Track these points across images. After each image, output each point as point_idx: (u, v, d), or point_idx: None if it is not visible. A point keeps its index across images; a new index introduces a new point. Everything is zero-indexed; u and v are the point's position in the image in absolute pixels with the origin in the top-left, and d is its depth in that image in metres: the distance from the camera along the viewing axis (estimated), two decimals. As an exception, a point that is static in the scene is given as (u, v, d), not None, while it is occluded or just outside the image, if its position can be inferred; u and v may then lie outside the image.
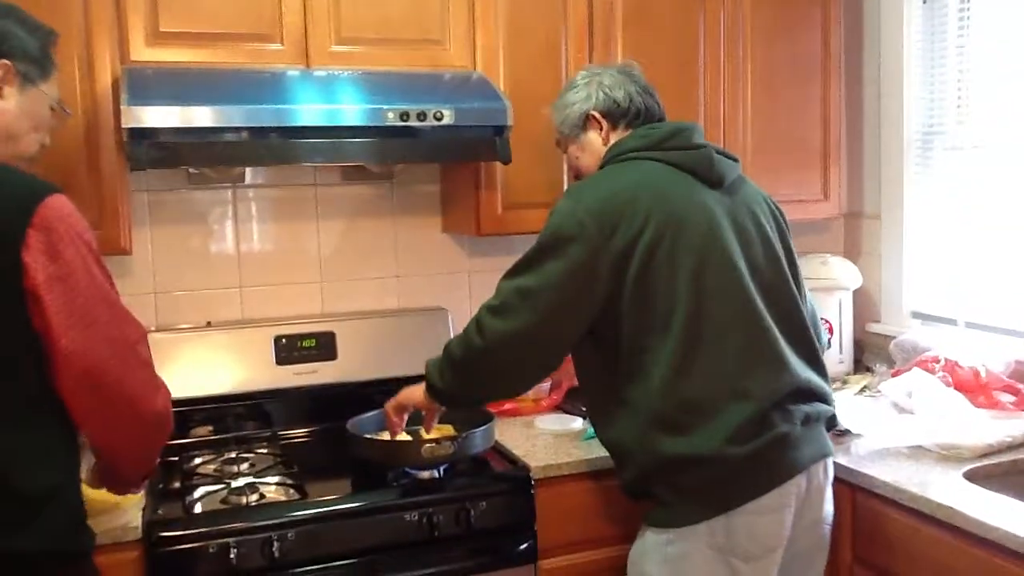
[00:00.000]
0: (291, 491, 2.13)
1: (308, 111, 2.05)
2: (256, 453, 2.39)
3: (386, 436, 2.32)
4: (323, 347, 2.59)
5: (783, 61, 2.78)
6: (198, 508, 2.06)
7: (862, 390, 2.70)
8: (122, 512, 1.96)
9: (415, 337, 2.69)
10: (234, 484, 2.16)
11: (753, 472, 1.81)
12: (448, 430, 2.35)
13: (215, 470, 2.29)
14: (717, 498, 1.81)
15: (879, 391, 2.57)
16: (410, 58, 2.37)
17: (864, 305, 3.01)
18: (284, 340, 2.56)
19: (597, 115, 2.03)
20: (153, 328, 2.47)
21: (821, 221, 2.99)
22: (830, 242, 3.11)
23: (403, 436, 2.33)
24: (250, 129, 2.01)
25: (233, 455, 2.37)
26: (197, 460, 2.36)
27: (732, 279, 1.85)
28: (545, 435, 2.48)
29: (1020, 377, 2.47)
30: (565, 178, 2.55)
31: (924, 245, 2.86)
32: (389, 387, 2.56)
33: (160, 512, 2.02)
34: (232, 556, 1.92)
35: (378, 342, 2.65)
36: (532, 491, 2.19)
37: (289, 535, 1.98)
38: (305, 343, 2.58)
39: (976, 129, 2.70)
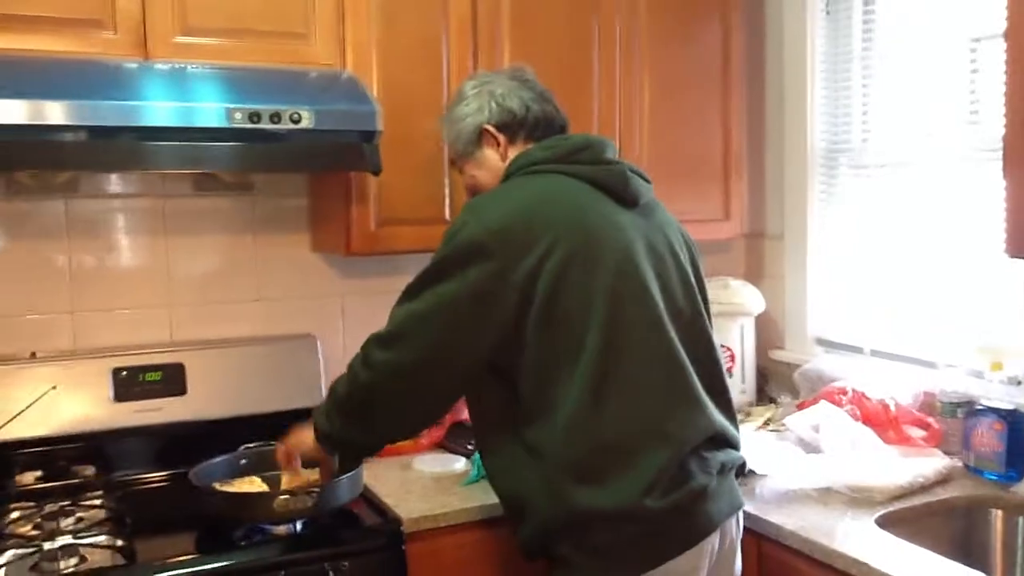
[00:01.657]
0: (117, 555, 1.81)
1: (138, 108, 1.74)
2: (84, 506, 2.05)
3: (239, 485, 2.03)
4: (170, 380, 2.27)
5: (682, 71, 2.60)
6: (-2, 579, 1.73)
7: (766, 423, 2.53)
8: None
9: (279, 368, 2.39)
10: (47, 546, 1.82)
11: (670, 529, 1.61)
12: (313, 475, 2.06)
13: (32, 528, 1.94)
14: (632, 559, 1.59)
15: (784, 425, 2.40)
16: (268, 53, 2.08)
17: (767, 331, 2.84)
18: (124, 373, 2.23)
19: (492, 129, 1.82)
20: (-37, 360, 2.13)
21: (722, 241, 2.82)
22: (730, 263, 2.94)
23: (258, 486, 2.04)
24: (63, 128, 1.69)
25: (56, 508, 2.02)
26: (13, 515, 2.01)
27: (648, 309, 1.64)
28: (424, 478, 2.21)
29: (929, 410, 2.33)
30: (447, 192, 2.31)
31: (829, 268, 2.72)
32: (247, 426, 2.30)
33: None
34: (33, 640, 1.60)
35: (235, 374, 2.34)
36: (403, 547, 1.92)
37: (115, 611, 1.67)
38: (148, 376, 2.26)
39: (880, 146, 2.56)
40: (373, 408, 1.72)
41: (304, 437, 1.86)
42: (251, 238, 2.45)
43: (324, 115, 1.89)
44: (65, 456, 2.16)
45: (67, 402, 2.17)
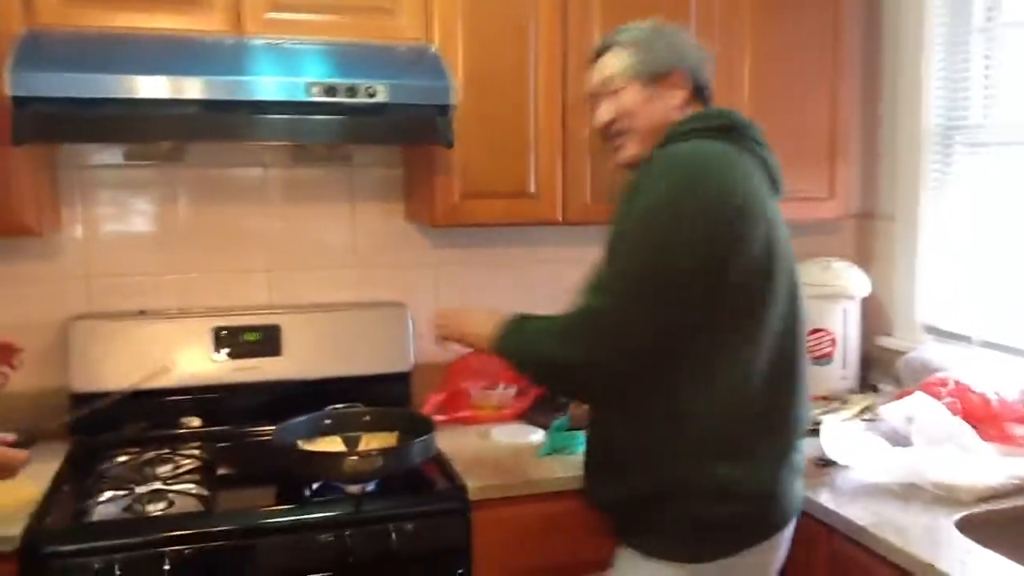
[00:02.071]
0: (200, 502, 1.93)
1: (214, 84, 1.83)
2: (180, 454, 2.20)
3: (321, 444, 2.12)
4: (267, 341, 2.40)
5: (788, 41, 2.48)
6: (95, 516, 1.88)
7: (862, 411, 2.42)
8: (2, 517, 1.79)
9: (369, 334, 2.48)
10: (139, 490, 1.97)
11: (770, 512, 1.63)
12: (391, 439, 2.14)
13: (131, 471, 2.10)
14: (731, 537, 1.60)
15: (878, 415, 2.29)
16: (355, 28, 2.13)
17: (874, 316, 2.71)
18: (224, 332, 2.37)
19: (686, 74, 1.69)
20: (83, 314, 2.31)
21: (830, 222, 2.69)
22: (839, 245, 2.81)
23: (338, 445, 2.13)
24: (142, 101, 1.79)
25: (153, 455, 2.18)
26: (117, 459, 2.18)
27: (802, 301, 1.66)
28: (499, 448, 2.25)
29: (1038, 407, 2.17)
30: (532, 167, 2.31)
31: (942, 252, 2.56)
32: (338, 387, 2.40)
33: (48, 520, 1.83)
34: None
35: (328, 338, 2.44)
36: (468, 514, 1.96)
37: (186, 552, 1.78)
38: (248, 336, 2.39)
39: (1004, 124, 2.38)
40: (565, 382, 1.68)
41: (479, 330, 1.75)
42: (348, 207, 2.53)
43: (399, 89, 1.93)
44: (165, 408, 2.32)
45: (171, 356, 2.31)
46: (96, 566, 1.73)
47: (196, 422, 2.36)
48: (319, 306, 2.49)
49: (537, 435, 2.30)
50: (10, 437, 1.78)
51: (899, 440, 2.15)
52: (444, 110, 1.97)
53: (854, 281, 2.60)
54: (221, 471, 2.13)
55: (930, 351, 2.45)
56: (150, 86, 1.82)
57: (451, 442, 2.24)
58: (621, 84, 1.69)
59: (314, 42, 2.04)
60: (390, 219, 2.55)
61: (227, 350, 2.36)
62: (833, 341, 2.60)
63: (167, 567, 1.76)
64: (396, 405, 2.40)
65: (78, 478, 2.06)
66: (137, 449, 2.23)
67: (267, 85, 1.87)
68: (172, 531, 1.80)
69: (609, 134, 1.73)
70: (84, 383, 2.26)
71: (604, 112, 1.72)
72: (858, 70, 2.70)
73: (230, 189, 2.45)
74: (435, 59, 2.05)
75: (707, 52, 1.75)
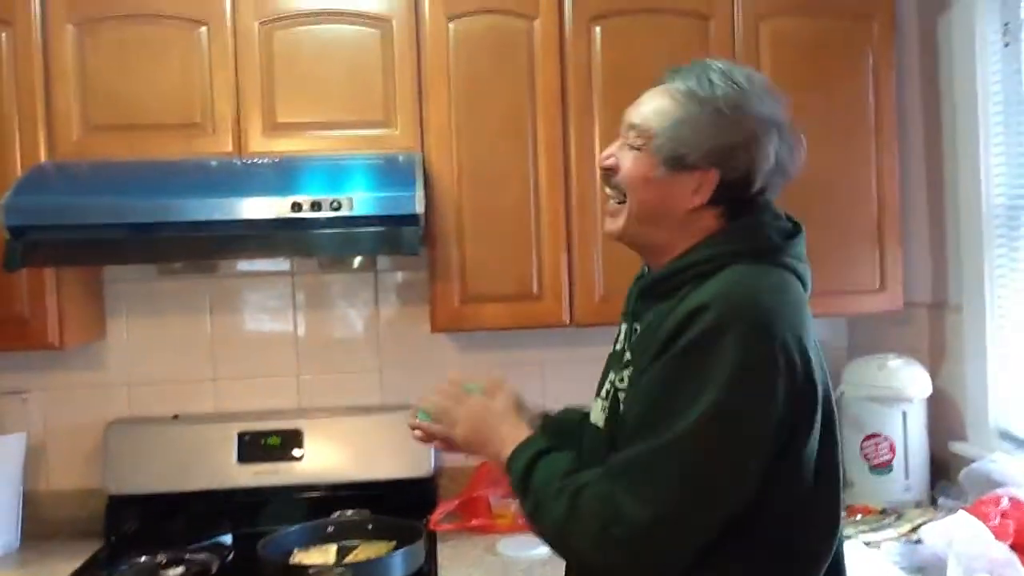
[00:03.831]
0: (181, 610, 1.97)
1: (179, 206, 1.92)
2: (190, 558, 2.25)
3: (313, 553, 2.12)
4: (287, 445, 2.44)
5: (817, 124, 2.29)
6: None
7: (913, 530, 2.14)
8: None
9: (390, 439, 2.47)
10: (128, 595, 2.04)
11: None
12: (385, 550, 2.11)
13: (135, 575, 2.18)
14: None
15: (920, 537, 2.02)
16: (351, 141, 2.20)
17: (947, 419, 2.40)
18: (247, 437, 2.44)
19: (715, 178, 1.30)
20: (121, 419, 2.46)
21: (900, 312, 2.42)
22: (912, 338, 2.52)
23: (329, 555, 2.12)
24: (121, 226, 1.91)
25: (164, 560, 2.25)
26: (128, 561, 2.24)
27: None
28: (498, 563, 2.15)
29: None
30: (534, 267, 2.26)
31: (1017, 346, 2.24)
32: (354, 492, 2.40)
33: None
34: None
35: (349, 442, 2.46)
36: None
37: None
38: (269, 441, 2.45)
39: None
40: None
41: (500, 445, 1.38)
42: (374, 311, 2.57)
43: (364, 201, 1.95)
44: (187, 511, 2.39)
45: (196, 461, 2.41)
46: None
47: (222, 524, 2.42)
48: (342, 409, 2.52)
49: (543, 549, 2.18)
50: None
51: (941, 568, 1.88)
52: (411, 220, 1.97)
53: (912, 381, 2.33)
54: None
55: (996, 462, 2.13)
56: (133, 210, 1.94)
57: (452, 548, 2.18)
58: (639, 143, 1.33)
59: (292, 160, 2.12)
60: (416, 323, 2.55)
61: (249, 454, 2.42)
62: (892, 448, 2.32)
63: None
64: (419, 511, 2.36)
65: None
66: (149, 552, 2.27)
67: (240, 205, 1.95)
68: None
69: (607, 179, 1.39)
70: (117, 485, 2.39)
71: (609, 155, 1.38)
72: (919, 151, 2.47)
73: (260, 297, 2.55)
74: (406, 167, 2.07)
75: (793, 151, 1.34)
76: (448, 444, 1.49)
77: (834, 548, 1.30)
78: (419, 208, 1.96)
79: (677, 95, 1.31)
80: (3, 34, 2.12)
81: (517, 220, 2.25)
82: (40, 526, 2.40)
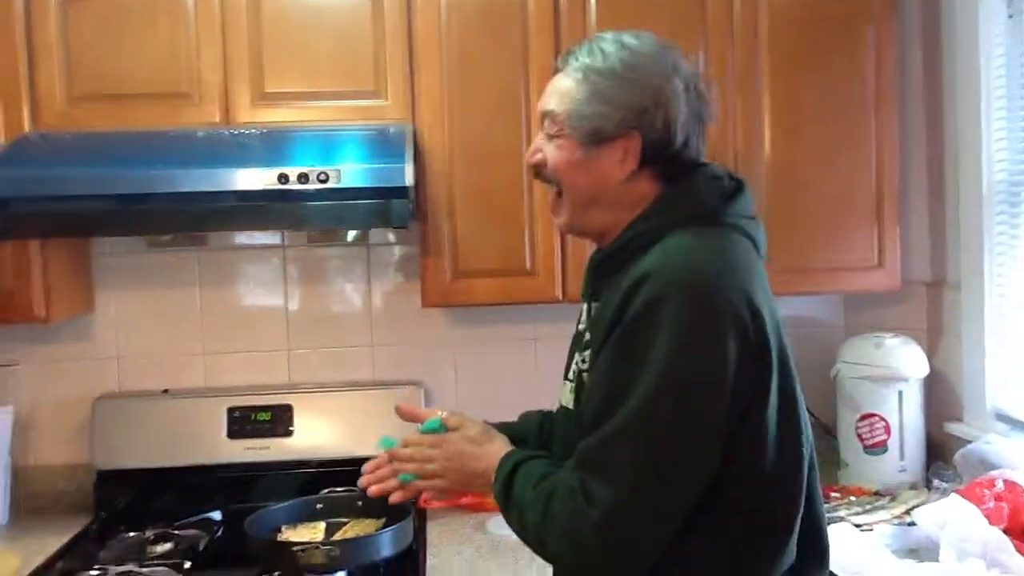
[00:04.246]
0: (168, 584, 1.96)
1: (165, 177, 1.89)
2: (177, 534, 2.24)
3: (301, 530, 2.10)
4: (278, 421, 2.42)
5: (816, 101, 2.27)
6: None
7: (906, 512, 2.12)
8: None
9: (382, 414, 2.44)
10: (115, 570, 2.02)
11: None
12: (373, 527, 2.09)
13: (123, 551, 2.16)
14: None
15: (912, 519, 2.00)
16: (341, 111, 2.16)
17: (944, 400, 2.38)
18: (237, 412, 2.42)
19: (638, 141, 1.29)
20: (110, 393, 2.44)
21: (896, 291, 2.39)
22: (912, 317, 2.49)
23: (318, 532, 2.10)
24: (106, 197, 1.88)
25: (155, 534, 2.23)
26: (116, 537, 2.23)
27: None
28: (487, 541, 2.14)
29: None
30: (528, 244, 2.22)
31: (1014, 325, 2.21)
32: (346, 468, 2.37)
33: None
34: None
35: (340, 418, 2.44)
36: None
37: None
38: (259, 416, 2.43)
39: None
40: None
41: (483, 464, 1.37)
42: (365, 286, 2.54)
43: (353, 173, 1.92)
44: (177, 486, 2.38)
45: (186, 437, 2.39)
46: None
47: (210, 500, 2.41)
48: (333, 385, 2.49)
49: (534, 526, 2.17)
50: None
51: (933, 550, 1.86)
52: (401, 192, 1.93)
53: (908, 360, 2.30)
54: (205, 556, 2.13)
55: (991, 443, 2.11)
56: (118, 181, 1.91)
57: (443, 525, 2.18)
58: (555, 130, 1.34)
59: (280, 130, 2.08)
60: (409, 297, 2.52)
61: (239, 429, 2.40)
62: (887, 428, 2.30)
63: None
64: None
65: (71, 555, 2.13)
66: (138, 528, 2.27)
67: (226, 177, 1.91)
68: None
69: (539, 175, 1.39)
70: (106, 460, 2.37)
71: (535, 151, 1.38)
72: (920, 127, 2.43)
73: (251, 271, 2.52)
74: (396, 140, 2.03)
75: (703, 98, 1.32)
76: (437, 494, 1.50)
77: (800, 511, 1.26)
78: (409, 180, 1.92)
79: (576, 74, 1.32)
80: (-15, 3, 2.08)
81: (509, 195, 2.21)
82: (29, 501, 2.39)
